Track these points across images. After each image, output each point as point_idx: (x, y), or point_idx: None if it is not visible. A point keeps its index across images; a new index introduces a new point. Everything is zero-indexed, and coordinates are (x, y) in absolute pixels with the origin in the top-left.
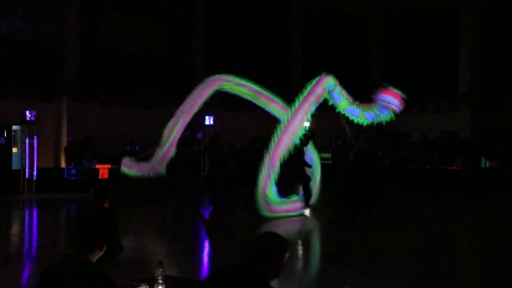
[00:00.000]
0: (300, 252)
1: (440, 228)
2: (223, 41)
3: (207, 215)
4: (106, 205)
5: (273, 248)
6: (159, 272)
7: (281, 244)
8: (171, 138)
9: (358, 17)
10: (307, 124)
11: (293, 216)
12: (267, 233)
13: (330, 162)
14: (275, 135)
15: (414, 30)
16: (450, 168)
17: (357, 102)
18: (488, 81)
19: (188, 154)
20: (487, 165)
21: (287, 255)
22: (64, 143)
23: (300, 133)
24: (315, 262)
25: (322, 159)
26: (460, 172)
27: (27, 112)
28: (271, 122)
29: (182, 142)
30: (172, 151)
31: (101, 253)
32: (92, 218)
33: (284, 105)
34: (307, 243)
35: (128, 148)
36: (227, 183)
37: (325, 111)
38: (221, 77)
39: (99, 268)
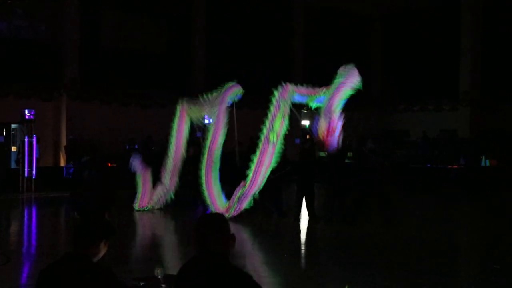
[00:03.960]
0: (303, 252)
1: (440, 227)
2: (223, 40)
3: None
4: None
5: (218, 224)
6: (159, 271)
7: (220, 218)
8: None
9: (358, 16)
10: (306, 123)
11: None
12: (204, 217)
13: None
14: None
15: (415, 28)
16: (450, 167)
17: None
18: (489, 80)
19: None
20: (488, 164)
21: (228, 224)
22: (63, 142)
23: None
24: (318, 262)
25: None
26: (460, 171)
27: (26, 111)
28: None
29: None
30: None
31: (101, 252)
32: (91, 214)
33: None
34: (310, 244)
35: (127, 147)
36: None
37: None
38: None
39: (100, 263)
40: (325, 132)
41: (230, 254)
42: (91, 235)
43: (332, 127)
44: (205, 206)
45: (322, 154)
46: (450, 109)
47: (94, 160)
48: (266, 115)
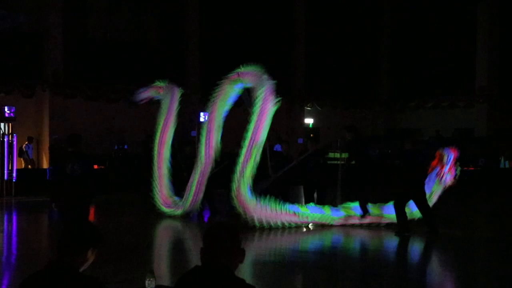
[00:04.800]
0: (299, 262)
1: (455, 233)
2: (218, 33)
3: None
4: None
5: (228, 236)
6: (150, 281)
7: (232, 229)
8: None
9: (368, 7)
10: (310, 121)
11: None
12: (215, 225)
13: (336, 162)
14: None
15: (427, 20)
16: (466, 168)
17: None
18: (508, 74)
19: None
20: (507, 165)
21: (241, 237)
22: (46, 141)
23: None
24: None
25: (328, 159)
26: (477, 173)
27: (6, 108)
28: (273, 117)
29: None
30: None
31: (89, 260)
32: (79, 220)
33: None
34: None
35: (116, 147)
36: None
37: (329, 108)
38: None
39: (88, 274)
40: None
41: (236, 267)
42: (78, 243)
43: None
44: (204, 209)
45: (330, 155)
46: (465, 106)
47: (78, 152)
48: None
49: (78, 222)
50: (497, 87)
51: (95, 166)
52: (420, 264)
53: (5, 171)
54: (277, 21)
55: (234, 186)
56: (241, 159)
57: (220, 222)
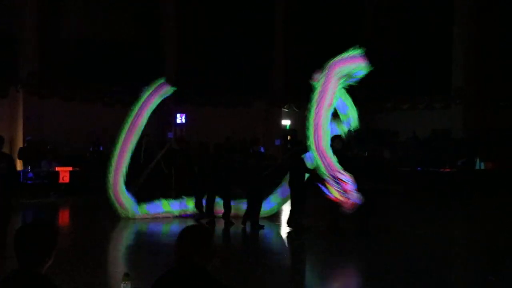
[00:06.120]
0: (279, 262)
1: (430, 236)
2: (196, 29)
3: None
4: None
5: (203, 237)
6: (125, 284)
7: (204, 230)
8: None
9: (348, 9)
10: (287, 122)
11: None
12: (189, 227)
13: None
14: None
15: (404, 18)
16: (442, 170)
17: None
18: (485, 75)
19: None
20: (482, 167)
21: (213, 238)
22: (20, 143)
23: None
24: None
25: None
26: (453, 175)
27: None
28: (251, 118)
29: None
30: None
31: (51, 261)
32: (35, 227)
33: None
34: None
35: (91, 149)
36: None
37: (306, 110)
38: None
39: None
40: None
41: (210, 267)
42: (45, 251)
43: None
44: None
45: None
46: (442, 107)
47: (2, 152)
48: (245, 112)
49: (35, 228)
50: (473, 88)
51: (70, 168)
52: None
53: None
54: (256, 21)
55: (111, 181)
56: (116, 156)
57: (194, 224)
